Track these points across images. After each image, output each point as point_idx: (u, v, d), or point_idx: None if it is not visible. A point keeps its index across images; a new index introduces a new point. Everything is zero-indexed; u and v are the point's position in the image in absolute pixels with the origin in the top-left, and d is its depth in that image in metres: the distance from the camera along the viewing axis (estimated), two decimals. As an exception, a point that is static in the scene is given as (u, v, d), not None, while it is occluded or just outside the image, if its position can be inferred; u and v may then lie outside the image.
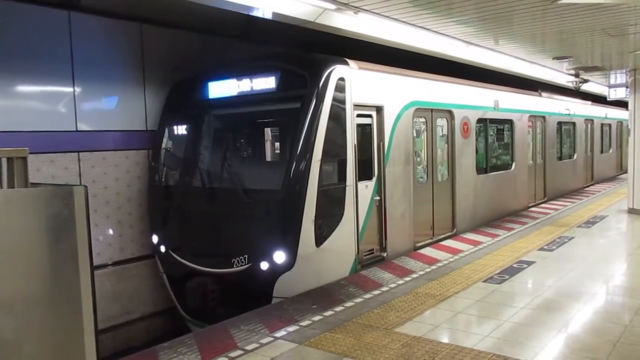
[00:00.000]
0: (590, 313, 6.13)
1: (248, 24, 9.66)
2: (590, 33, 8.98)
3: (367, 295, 6.81)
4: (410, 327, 5.68)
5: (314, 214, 7.01)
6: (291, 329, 5.75)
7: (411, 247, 9.26)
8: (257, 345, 5.33)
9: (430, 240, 9.85)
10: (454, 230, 10.67)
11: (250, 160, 8.85)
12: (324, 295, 6.86)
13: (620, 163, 24.57)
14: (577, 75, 13.50)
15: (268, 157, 8.87)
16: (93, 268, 3.33)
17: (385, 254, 8.57)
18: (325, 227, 7.23)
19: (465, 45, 9.44)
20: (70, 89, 8.00)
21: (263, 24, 8.05)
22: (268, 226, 7.20)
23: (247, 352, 5.18)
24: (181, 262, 8.05)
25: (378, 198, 8.42)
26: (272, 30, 9.05)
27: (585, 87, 15.95)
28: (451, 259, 8.63)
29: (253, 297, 7.03)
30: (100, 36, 8.40)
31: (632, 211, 12.85)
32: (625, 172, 23.81)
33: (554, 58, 11.31)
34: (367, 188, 8.18)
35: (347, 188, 7.61)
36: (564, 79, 14.39)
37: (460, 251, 9.18)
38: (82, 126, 8.17)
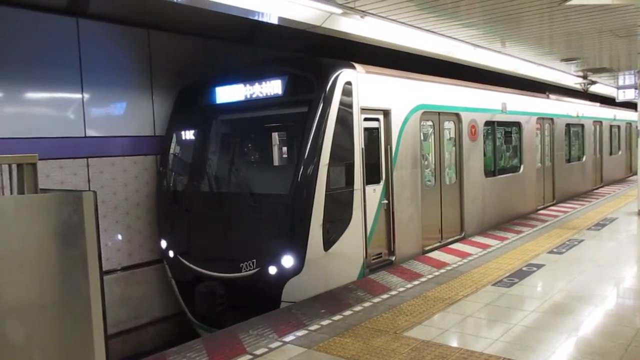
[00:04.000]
0: (601, 316, 6.08)
1: (254, 28, 9.68)
2: (598, 34, 8.96)
3: (376, 300, 6.78)
4: (419, 331, 5.65)
5: (321, 218, 7.00)
6: (300, 333, 5.74)
7: (419, 250, 9.21)
8: (266, 350, 5.32)
9: (438, 244, 9.78)
10: (463, 234, 10.60)
11: (258, 165, 8.85)
12: (333, 300, 6.85)
13: (630, 165, 24.38)
14: (585, 77, 13.43)
15: (276, 162, 8.80)
16: (102, 273, 3.34)
17: (393, 258, 8.53)
18: (333, 231, 7.21)
19: (472, 48, 9.43)
20: (79, 95, 8.05)
21: (269, 28, 8.08)
22: (276, 230, 7.19)
23: (256, 356, 5.17)
24: (189, 267, 8.05)
25: (386, 202, 8.38)
26: (278, 35, 9.07)
27: (594, 89, 15.89)
28: (460, 263, 8.58)
29: (261, 301, 7.02)
30: (108, 42, 8.45)
31: (642, 213, 12.75)
32: (635, 174, 23.70)
33: (562, 60, 11.27)
34: (374, 192, 8.16)
35: (354, 192, 7.58)
36: (572, 81, 14.33)
37: (469, 254, 9.13)
38: (91, 132, 8.21)
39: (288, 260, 6.96)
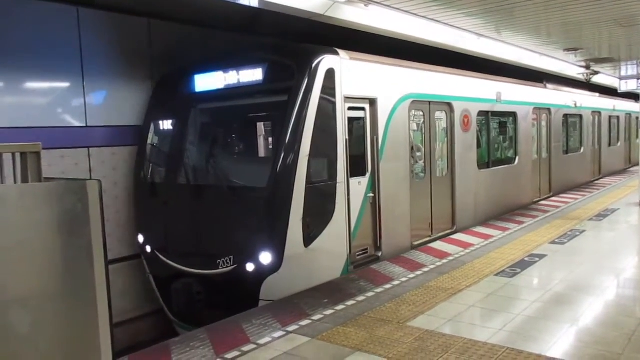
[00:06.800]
0: (604, 306, 6.09)
1: (254, 17, 9.58)
2: (600, 24, 8.87)
3: (379, 289, 6.79)
4: (422, 321, 5.66)
5: (301, 213, 6.70)
6: (303, 323, 5.74)
7: (408, 245, 8.90)
8: (270, 339, 5.32)
9: (428, 239, 9.48)
10: (454, 228, 10.27)
11: (236, 157, 8.45)
12: (336, 290, 6.85)
13: (629, 156, 24.29)
14: (588, 67, 13.35)
15: (254, 153, 8.36)
16: (107, 262, 3.33)
17: (380, 254, 8.24)
18: (314, 226, 6.90)
19: (476, 37, 9.33)
20: (80, 85, 7.99)
21: (270, 17, 7.98)
22: (254, 225, 6.89)
23: (259, 346, 5.17)
24: (167, 263, 7.73)
25: (372, 195, 8.08)
26: (279, 23, 8.96)
27: (594, 79, 15.78)
28: (456, 255, 8.51)
29: (239, 299, 6.77)
30: (108, 31, 8.37)
31: (643, 204, 12.75)
32: (635, 165, 23.66)
33: (564, 50, 11.19)
34: (360, 185, 7.85)
35: (337, 185, 7.27)
36: (574, 71, 14.22)
37: (463, 248, 8.95)
38: (92, 122, 8.16)
39: (266, 257, 6.67)
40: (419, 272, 7.51)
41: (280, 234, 6.65)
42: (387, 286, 6.92)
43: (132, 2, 8.49)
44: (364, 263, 7.94)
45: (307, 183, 6.75)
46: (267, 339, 5.32)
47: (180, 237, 7.70)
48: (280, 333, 5.47)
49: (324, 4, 6.74)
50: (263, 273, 6.72)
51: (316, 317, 5.88)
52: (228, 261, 6.96)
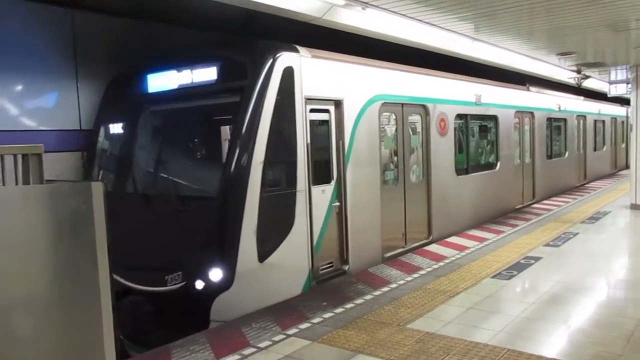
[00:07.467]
0: (602, 308, 6.13)
1: (249, 18, 9.54)
2: (594, 29, 8.94)
3: (377, 292, 6.78)
4: (422, 323, 5.66)
5: (255, 225, 6.19)
6: (303, 326, 5.71)
7: (378, 258, 8.34)
8: (270, 342, 5.29)
9: (402, 250, 8.92)
10: (430, 238, 9.69)
11: (186, 163, 7.70)
12: (334, 293, 6.83)
13: (615, 161, 24.20)
14: (579, 72, 13.44)
15: (204, 159, 7.60)
16: (112, 264, 3.31)
17: (347, 267, 7.68)
18: (270, 240, 6.39)
19: (470, 41, 9.35)
20: (73, 87, 7.93)
21: (264, 18, 7.92)
22: (203, 239, 6.33)
23: (260, 349, 5.14)
24: (114, 279, 7.08)
25: (338, 204, 7.54)
26: (273, 25, 8.90)
27: (583, 83, 15.80)
28: (452, 258, 8.52)
29: (189, 319, 6.19)
30: (102, 34, 8.32)
31: (634, 207, 12.83)
32: (621, 169, 23.83)
33: (557, 54, 11.23)
34: (323, 193, 7.30)
35: (297, 193, 6.74)
36: (564, 75, 14.25)
37: (464, 248, 9.08)
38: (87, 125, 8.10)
39: (216, 274, 6.10)
40: (416, 275, 7.52)
41: (231, 248, 6.12)
42: (385, 289, 6.91)
43: (127, 4, 8.44)
44: (328, 278, 7.40)
45: (261, 192, 6.25)
46: (267, 342, 5.29)
47: (129, 250, 7.06)
48: (280, 336, 5.44)
49: (321, 7, 6.73)
50: (213, 291, 6.13)
51: (315, 320, 5.86)
52: (176, 277, 6.34)
